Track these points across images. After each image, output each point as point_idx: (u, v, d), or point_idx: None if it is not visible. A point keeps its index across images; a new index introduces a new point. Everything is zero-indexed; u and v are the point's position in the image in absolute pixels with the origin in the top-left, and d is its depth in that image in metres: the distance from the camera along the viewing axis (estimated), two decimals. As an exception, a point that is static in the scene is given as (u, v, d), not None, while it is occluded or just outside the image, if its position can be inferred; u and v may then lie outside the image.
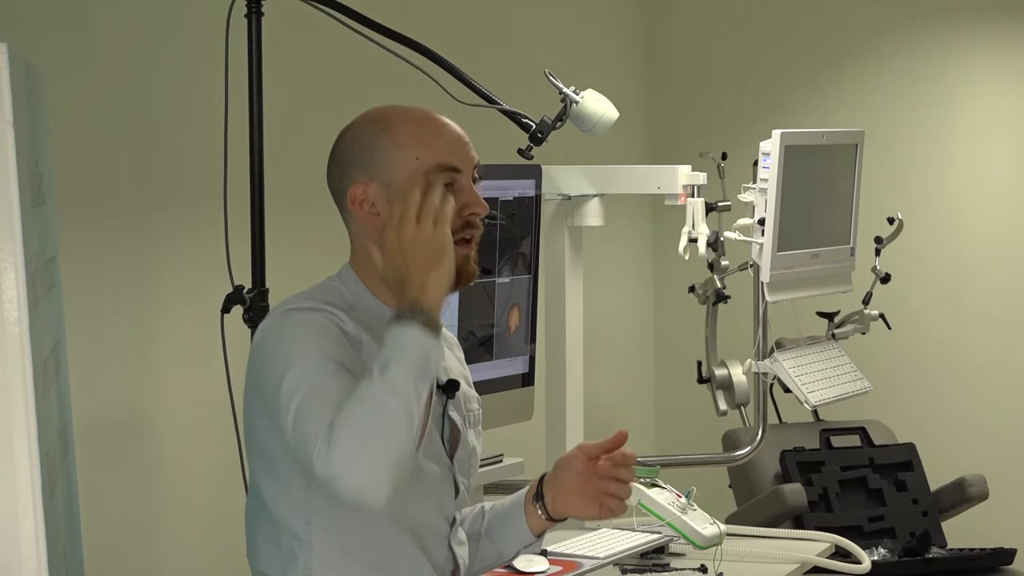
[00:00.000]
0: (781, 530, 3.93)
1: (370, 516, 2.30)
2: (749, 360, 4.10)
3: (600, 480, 2.45)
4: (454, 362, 2.52)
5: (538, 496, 2.48)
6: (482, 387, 3.37)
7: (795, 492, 4.56)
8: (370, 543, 2.32)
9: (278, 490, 2.30)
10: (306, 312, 2.26)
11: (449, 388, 2.43)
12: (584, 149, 4.14)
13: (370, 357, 2.24)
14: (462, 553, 2.46)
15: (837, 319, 4.60)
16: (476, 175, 2.42)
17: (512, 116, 3.30)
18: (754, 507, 4.62)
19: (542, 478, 2.50)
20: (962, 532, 4.90)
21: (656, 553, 3.36)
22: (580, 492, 2.45)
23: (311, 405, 2.15)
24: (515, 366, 3.51)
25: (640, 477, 3.24)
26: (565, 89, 3.34)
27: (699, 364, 4.60)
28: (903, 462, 4.88)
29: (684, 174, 3.55)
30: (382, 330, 2.28)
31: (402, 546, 2.36)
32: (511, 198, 3.43)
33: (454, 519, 2.44)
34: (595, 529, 3.42)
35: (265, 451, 2.30)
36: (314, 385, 2.17)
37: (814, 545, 3.55)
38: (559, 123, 3.32)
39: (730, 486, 4.89)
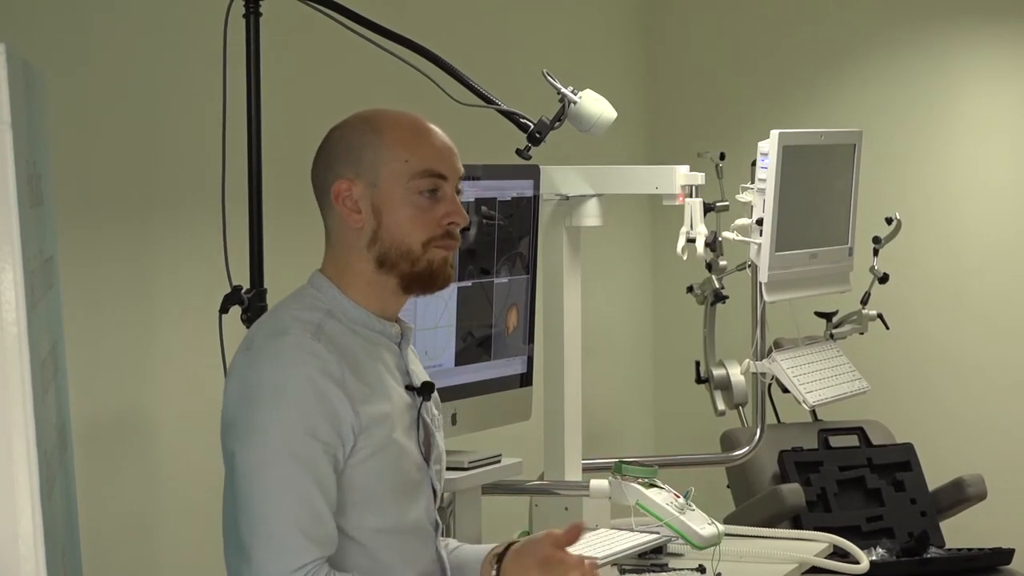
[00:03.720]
0: (779, 530, 3.93)
1: (361, 527, 2.33)
2: (747, 360, 4.10)
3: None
4: (420, 367, 2.54)
5: (499, 559, 2.47)
6: (480, 387, 3.38)
7: (793, 492, 4.56)
8: (361, 552, 2.34)
9: None
10: (291, 362, 2.29)
11: (425, 390, 2.45)
12: (582, 149, 4.13)
13: (356, 370, 2.32)
14: (446, 556, 2.47)
15: (835, 319, 4.60)
16: (459, 187, 2.44)
17: (510, 116, 3.30)
18: (752, 507, 4.62)
19: (509, 545, 2.49)
20: (960, 532, 4.91)
21: (654, 553, 3.37)
22: (539, 570, 2.41)
23: (274, 522, 2.24)
24: (513, 366, 3.51)
25: (638, 477, 3.25)
26: (563, 89, 3.34)
27: (697, 364, 4.61)
28: (901, 462, 4.88)
29: (682, 174, 3.55)
30: (363, 331, 2.38)
31: (393, 554, 2.37)
32: (509, 198, 3.43)
33: (436, 523, 2.46)
34: (593, 529, 3.43)
35: None
36: (278, 497, 2.25)
37: (812, 545, 3.55)
38: (557, 123, 3.32)
39: (728, 486, 4.89)
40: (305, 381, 2.28)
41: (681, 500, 3.19)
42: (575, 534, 2.40)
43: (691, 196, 3.54)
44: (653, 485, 3.23)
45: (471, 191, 3.28)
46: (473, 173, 3.30)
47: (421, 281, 2.40)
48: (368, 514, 2.34)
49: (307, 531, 2.25)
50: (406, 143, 2.38)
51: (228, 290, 3.04)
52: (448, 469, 3.00)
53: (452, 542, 2.58)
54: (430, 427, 2.47)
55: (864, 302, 4.57)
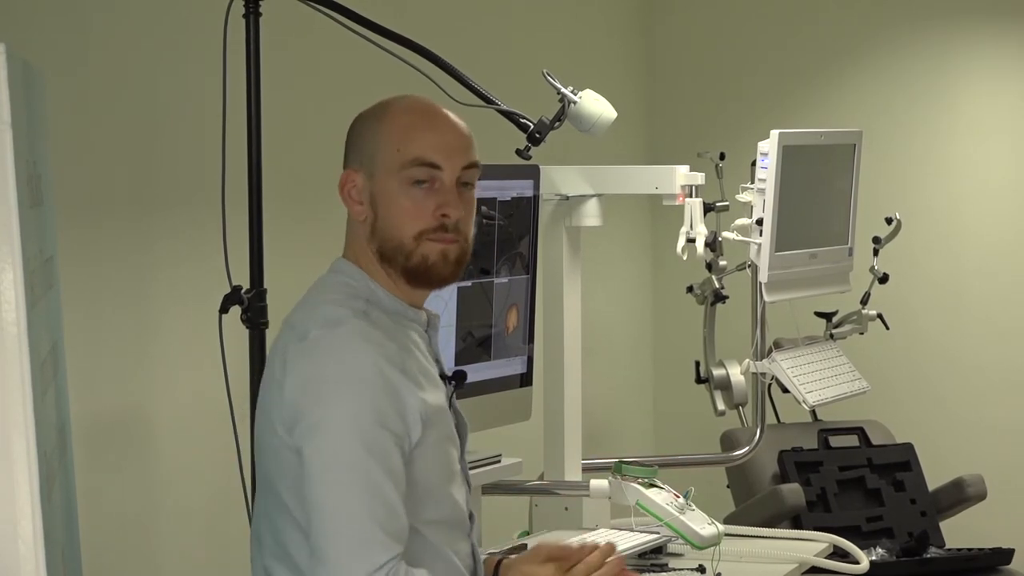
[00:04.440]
0: (779, 530, 3.93)
1: (419, 518, 2.28)
2: (747, 360, 4.10)
3: None
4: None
5: None
6: (480, 387, 3.38)
7: (793, 492, 4.56)
8: (421, 544, 2.29)
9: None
10: (355, 352, 2.22)
11: (457, 378, 2.41)
12: (582, 149, 4.13)
13: (407, 357, 2.26)
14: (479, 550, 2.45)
15: (835, 319, 4.60)
16: (466, 179, 2.36)
17: (510, 116, 3.30)
18: (752, 507, 4.62)
19: (499, 562, 2.48)
20: (960, 532, 4.91)
21: (654, 553, 3.36)
22: None
23: (349, 523, 2.16)
24: (513, 366, 3.51)
25: (638, 477, 3.25)
26: (563, 89, 3.34)
27: (697, 364, 4.61)
28: (901, 462, 4.88)
29: (682, 174, 3.55)
30: (397, 319, 2.32)
31: (445, 545, 2.33)
32: (509, 198, 3.43)
33: (471, 514, 2.43)
34: (593, 529, 3.43)
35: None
36: (356, 493, 2.17)
37: (812, 545, 3.55)
38: (557, 123, 3.32)
39: (728, 486, 4.89)
40: (373, 370, 2.20)
41: (681, 500, 3.19)
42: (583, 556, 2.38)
43: (691, 196, 3.54)
44: (653, 485, 3.23)
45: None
46: (473, 173, 3.29)
47: (417, 276, 2.32)
48: (425, 506, 2.29)
49: (385, 526, 2.17)
50: (402, 131, 2.32)
51: (228, 290, 3.04)
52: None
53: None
54: (462, 416, 2.42)
55: (864, 302, 4.57)
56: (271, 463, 2.29)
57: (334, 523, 2.16)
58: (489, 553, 2.62)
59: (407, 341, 2.31)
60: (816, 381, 4.16)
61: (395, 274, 2.34)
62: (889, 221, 4.57)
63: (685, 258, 3.55)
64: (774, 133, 3.85)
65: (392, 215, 2.31)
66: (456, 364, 3.30)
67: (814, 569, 3.48)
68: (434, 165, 2.32)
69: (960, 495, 4.81)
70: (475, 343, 3.37)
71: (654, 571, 3.28)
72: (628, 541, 3.30)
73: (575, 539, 2.62)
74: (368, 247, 2.34)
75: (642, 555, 3.33)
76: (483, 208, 3.34)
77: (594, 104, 3.35)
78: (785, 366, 4.11)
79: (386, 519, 2.18)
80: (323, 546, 2.17)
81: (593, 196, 3.61)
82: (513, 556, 2.51)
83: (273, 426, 2.26)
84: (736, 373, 4.43)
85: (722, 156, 4.14)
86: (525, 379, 3.55)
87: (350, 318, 2.25)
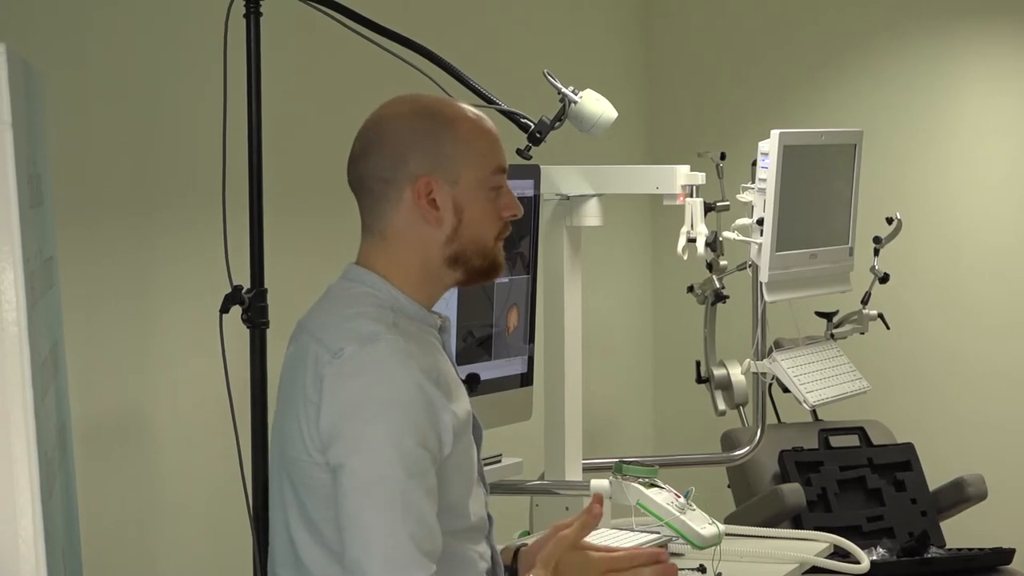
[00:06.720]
0: (780, 530, 3.93)
1: (448, 530, 2.28)
2: (748, 360, 4.10)
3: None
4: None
5: (510, 569, 2.47)
6: (481, 387, 3.38)
7: (794, 492, 4.56)
8: (447, 558, 2.28)
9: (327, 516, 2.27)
10: (395, 370, 2.21)
11: (470, 381, 2.42)
12: (583, 149, 4.13)
13: (437, 365, 2.27)
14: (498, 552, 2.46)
15: (836, 319, 4.60)
16: None
17: (511, 116, 3.29)
18: (753, 507, 4.62)
19: (517, 550, 2.50)
20: (961, 532, 4.91)
21: (655, 553, 3.36)
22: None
23: (386, 533, 2.17)
24: (514, 366, 3.51)
25: (639, 477, 3.24)
26: (564, 89, 3.34)
27: (698, 364, 4.61)
28: (902, 462, 4.88)
29: (683, 174, 3.55)
30: (419, 325, 2.32)
31: (460, 552, 2.33)
32: (510, 198, 3.43)
33: (490, 516, 2.43)
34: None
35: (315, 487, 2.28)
36: (396, 512, 2.17)
37: (813, 545, 3.55)
38: (558, 123, 3.31)
39: (729, 486, 4.89)
40: (415, 389, 2.21)
41: (682, 500, 3.18)
42: (593, 519, 2.41)
43: (691, 196, 3.54)
44: (653, 485, 3.22)
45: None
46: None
47: (486, 274, 2.37)
48: (452, 516, 2.30)
49: (421, 545, 2.19)
50: (483, 138, 2.34)
51: (228, 290, 3.03)
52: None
53: None
54: (476, 418, 2.42)
55: (864, 302, 4.57)
56: (295, 472, 2.29)
57: (372, 541, 2.17)
58: (504, 546, 2.63)
59: (430, 347, 2.32)
60: (816, 381, 4.16)
61: (454, 276, 2.35)
62: (889, 221, 4.57)
63: (686, 258, 3.55)
64: (774, 133, 3.85)
65: (478, 220, 2.33)
66: (457, 364, 3.30)
67: (815, 569, 3.48)
68: (506, 171, 2.38)
69: (960, 495, 4.80)
70: (475, 343, 3.37)
71: (655, 571, 3.28)
72: (628, 541, 3.30)
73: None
74: (437, 251, 2.33)
75: (643, 555, 3.33)
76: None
77: (595, 104, 3.35)
78: (785, 366, 4.10)
79: (423, 538, 2.19)
80: (361, 563, 2.18)
81: (593, 196, 3.61)
82: (529, 543, 2.51)
83: (303, 440, 2.27)
84: (736, 373, 4.43)
85: (722, 156, 4.14)
86: (525, 379, 3.55)
87: (384, 334, 2.24)
